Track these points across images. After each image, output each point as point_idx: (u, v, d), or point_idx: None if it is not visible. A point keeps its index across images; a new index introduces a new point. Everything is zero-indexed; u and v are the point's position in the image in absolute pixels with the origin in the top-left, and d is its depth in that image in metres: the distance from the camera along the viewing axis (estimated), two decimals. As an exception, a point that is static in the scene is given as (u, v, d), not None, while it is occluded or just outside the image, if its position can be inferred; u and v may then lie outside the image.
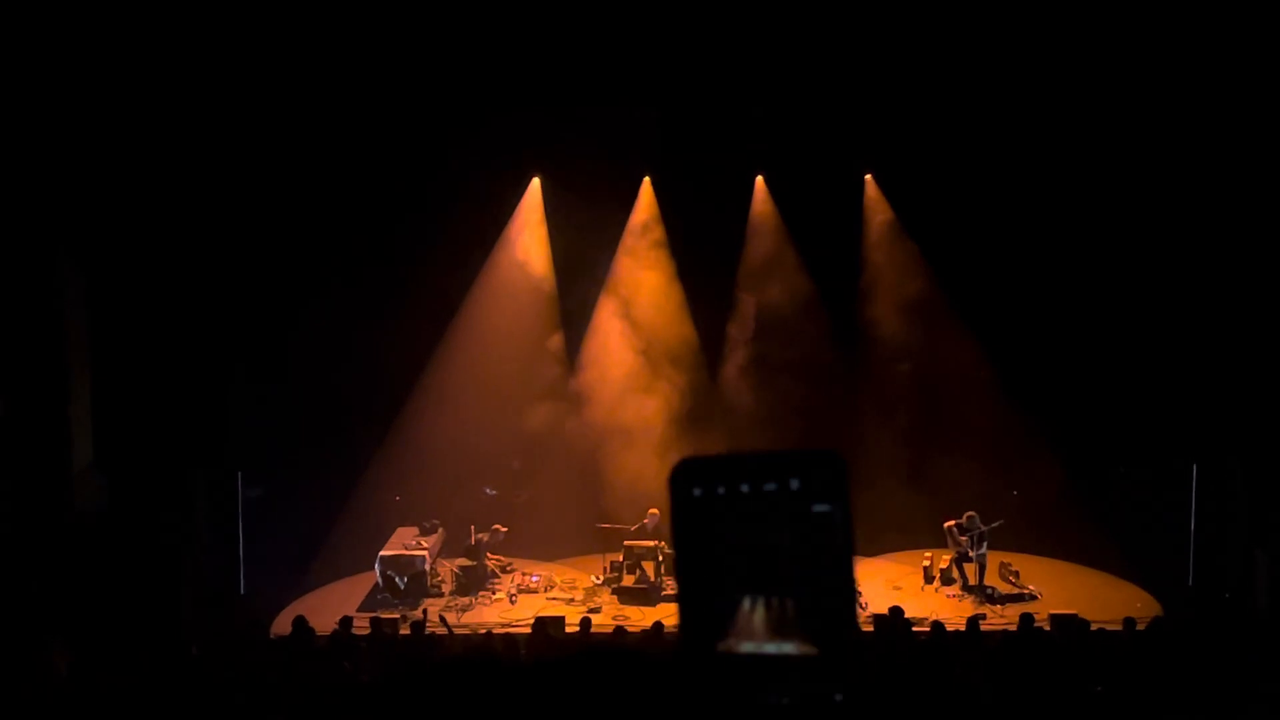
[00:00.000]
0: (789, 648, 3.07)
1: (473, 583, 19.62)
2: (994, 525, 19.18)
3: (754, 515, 3.11)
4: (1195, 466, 19.88)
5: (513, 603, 19.19)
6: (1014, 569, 19.65)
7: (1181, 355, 19.52)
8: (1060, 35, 18.55)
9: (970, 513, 19.32)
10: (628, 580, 19.54)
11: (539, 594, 19.71)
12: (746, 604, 3.12)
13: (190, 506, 19.33)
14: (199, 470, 19.62)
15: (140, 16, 17.45)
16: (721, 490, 3.14)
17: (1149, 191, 19.35)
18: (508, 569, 20.44)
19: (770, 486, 3.12)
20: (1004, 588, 19.26)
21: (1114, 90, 18.82)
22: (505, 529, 20.44)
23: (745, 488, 3.13)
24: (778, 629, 3.10)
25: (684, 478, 3.15)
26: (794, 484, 3.11)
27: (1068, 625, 15.95)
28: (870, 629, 15.43)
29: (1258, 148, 18.49)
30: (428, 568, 19.57)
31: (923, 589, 19.50)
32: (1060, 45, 18.59)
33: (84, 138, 17.85)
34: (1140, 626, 14.86)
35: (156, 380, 18.93)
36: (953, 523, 19.43)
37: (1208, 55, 18.08)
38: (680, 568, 3.19)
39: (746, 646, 3.11)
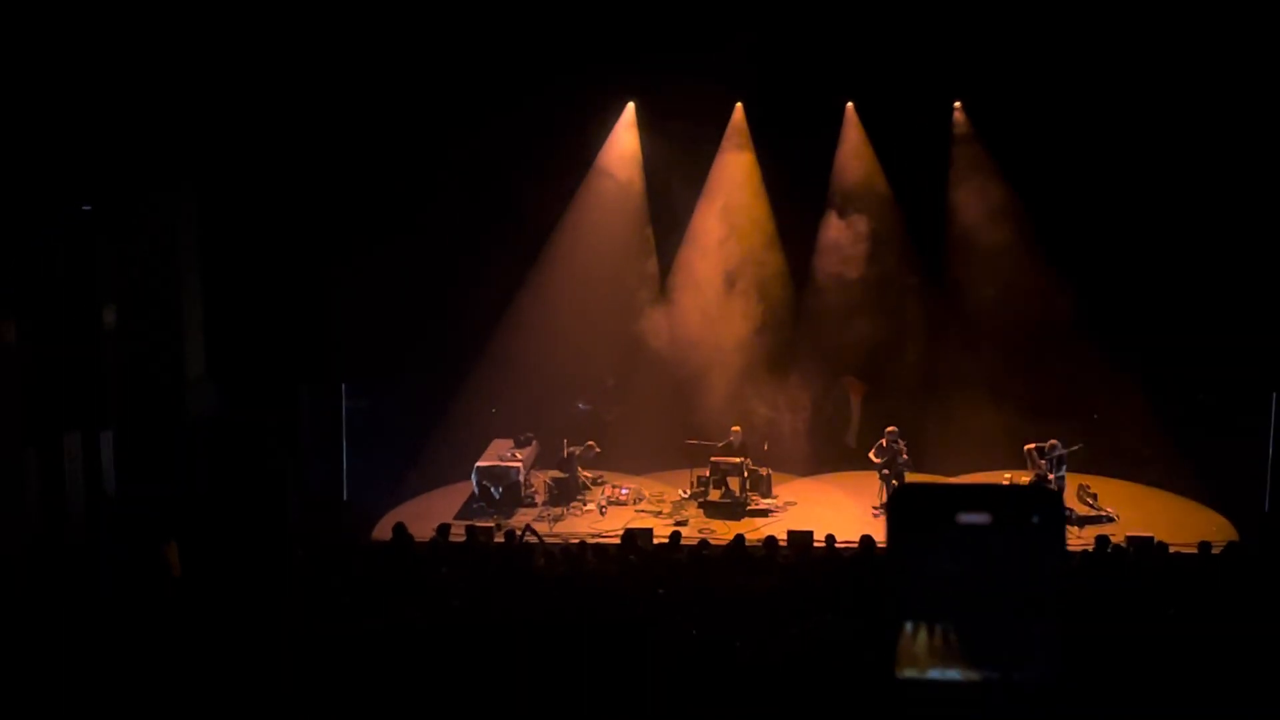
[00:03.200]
0: (954, 675, 3.29)
1: (565, 494, 20.15)
2: (1073, 448, 19.32)
3: (964, 546, 3.22)
4: (1275, 394, 19.89)
5: (603, 514, 19.69)
6: (1092, 491, 19.78)
7: (1264, 283, 19.54)
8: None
9: (1053, 440, 19.47)
10: (714, 495, 19.97)
11: (628, 506, 20.17)
12: (909, 628, 3.31)
13: (297, 417, 19.95)
14: (306, 382, 20.24)
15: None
16: (938, 518, 3.27)
17: (1235, 121, 19.26)
18: (598, 482, 20.97)
19: (985, 519, 3.24)
20: (1082, 509, 19.38)
21: (1208, 19, 18.74)
22: (598, 448, 20.95)
23: (964, 518, 3.24)
24: (942, 656, 3.29)
25: (903, 503, 3.36)
26: (1010, 517, 3.23)
27: (1144, 548, 16.05)
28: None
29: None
30: (522, 479, 20.07)
31: (1001, 509, 19.67)
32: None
33: (196, 60, 18.31)
34: (1215, 551, 14.95)
35: (266, 294, 19.50)
36: (1033, 445, 19.60)
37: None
38: (887, 589, 3.33)
39: (913, 671, 3.33)
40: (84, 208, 17.32)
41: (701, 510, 19.89)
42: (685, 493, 20.40)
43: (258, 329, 19.43)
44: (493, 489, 19.77)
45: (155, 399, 18.71)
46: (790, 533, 16.96)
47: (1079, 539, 17.90)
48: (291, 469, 19.02)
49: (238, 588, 13.01)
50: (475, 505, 19.83)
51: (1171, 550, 15.38)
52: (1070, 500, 19.48)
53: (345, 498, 20.48)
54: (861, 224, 21.62)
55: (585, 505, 20.08)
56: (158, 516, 16.37)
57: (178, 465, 18.32)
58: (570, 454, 20.46)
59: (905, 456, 19.53)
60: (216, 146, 19.09)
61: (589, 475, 20.82)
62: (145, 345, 18.60)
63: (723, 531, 18.29)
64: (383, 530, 17.57)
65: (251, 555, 14.26)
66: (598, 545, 15.14)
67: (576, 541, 15.63)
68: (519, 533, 16.14)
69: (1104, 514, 19.28)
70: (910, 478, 19.70)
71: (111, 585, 13.90)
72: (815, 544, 16.02)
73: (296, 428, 19.92)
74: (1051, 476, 19.28)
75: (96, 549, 16.18)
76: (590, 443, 20.84)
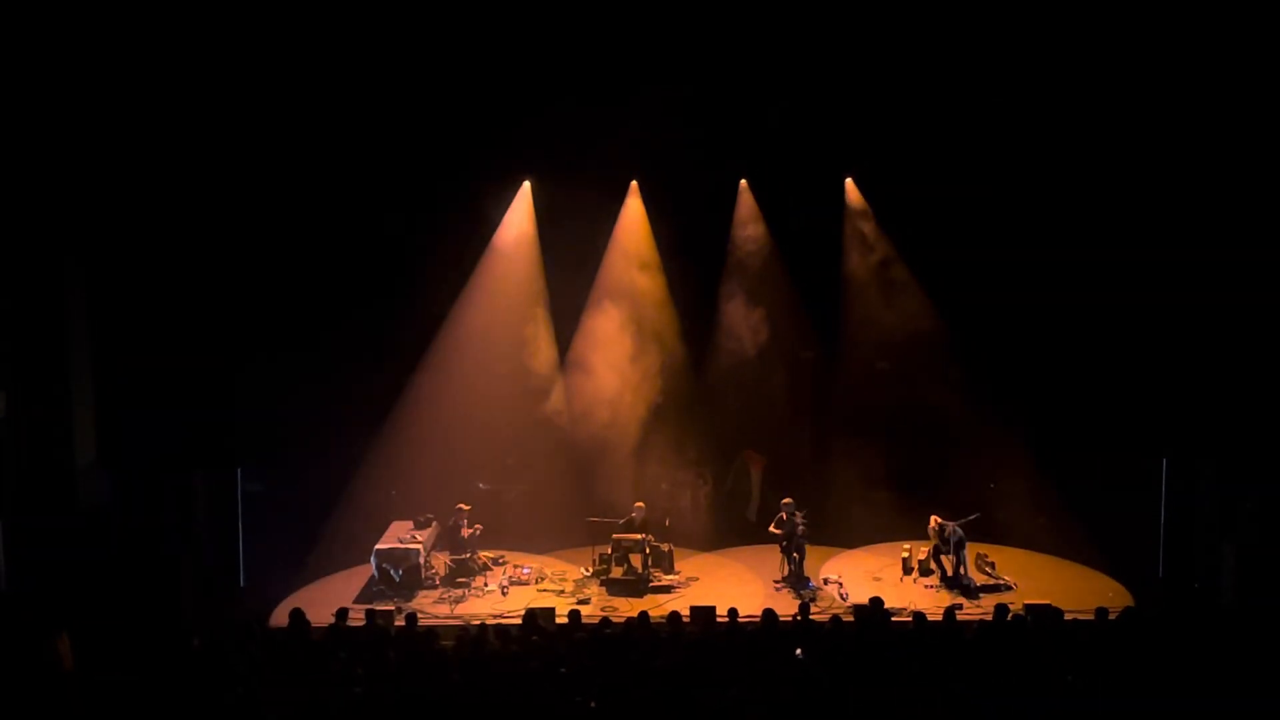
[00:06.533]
0: None
1: (463, 574, 20.02)
2: (970, 518, 19.45)
3: None
4: (1165, 461, 20.18)
5: (504, 595, 19.43)
6: (990, 560, 19.88)
7: (1154, 351, 19.98)
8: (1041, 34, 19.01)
9: (954, 525, 19.59)
10: (616, 572, 19.80)
11: (530, 586, 19.92)
12: None
13: (191, 502, 19.59)
14: (200, 467, 19.88)
15: (144, 24, 17.86)
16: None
17: (1125, 189, 19.79)
18: (499, 561, 20.78)
19: None
20: (980, 578, 19.46)
21: (1082, 90, 19.38)
22: (468, 506, 20.72)
23: None
24: None
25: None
26: None
27: (1042, 615, 16.11)
28: (851, 619, 15.84)
29: (1227, 153, 18.96)
30: (422, 560, 19.77)
31: (901, 580, 19.76)
32: (1043, 43, 19.04)
33: (89, 140, 18.17)
34: (1112, 616, 15.07)
35: (158, 378, 19.22)
36: (937, 520, 19.72)
37: (1175, 60, 18.55)
38: None
39: None
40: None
41: (604, 588, 19.75)
42: (587, 571, 20.27)
43: (150, 413, 19.12)
44: (393, 571, 19.49)
45: (46, 487, 18.36)
46: (693, 608, 16.88)
47: (978, 608, 18.02)
48: (186, 555, 18.69)
49: (132, 680, 12.73)
50: (375, 589, 19.45)
51: (1069, 617, 15.45)
52: (969, 569, 19.63)
53: (242, 584, 20.09)
54: (757, 298, 21.82)
55: (487, 586, 19.86)
56: (49, 608, 16.01)
57: (69, 554, 17.94)
58: (455, 524, 20.31)
59: (804, 529, 19.57)
60: (107, 228, 18.92)
61: (489, 555, 20.65)
62: (35, 432, 18.29)
63: (625, 609, 18.18)
64: (280, 616, 17.25)
65: (146, 646, 13.94)
66: (500, 626, 14.96)
67: (478, 623, 15.46)
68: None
69: (1002, 583, 19.37)
70: (810, 549, 19.77)
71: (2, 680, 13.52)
72: (719, 619, 15.98)
73: (191, 513, 19.56)
74: (949, 549, 19.38)
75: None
76: (460, 504, 20.72)
